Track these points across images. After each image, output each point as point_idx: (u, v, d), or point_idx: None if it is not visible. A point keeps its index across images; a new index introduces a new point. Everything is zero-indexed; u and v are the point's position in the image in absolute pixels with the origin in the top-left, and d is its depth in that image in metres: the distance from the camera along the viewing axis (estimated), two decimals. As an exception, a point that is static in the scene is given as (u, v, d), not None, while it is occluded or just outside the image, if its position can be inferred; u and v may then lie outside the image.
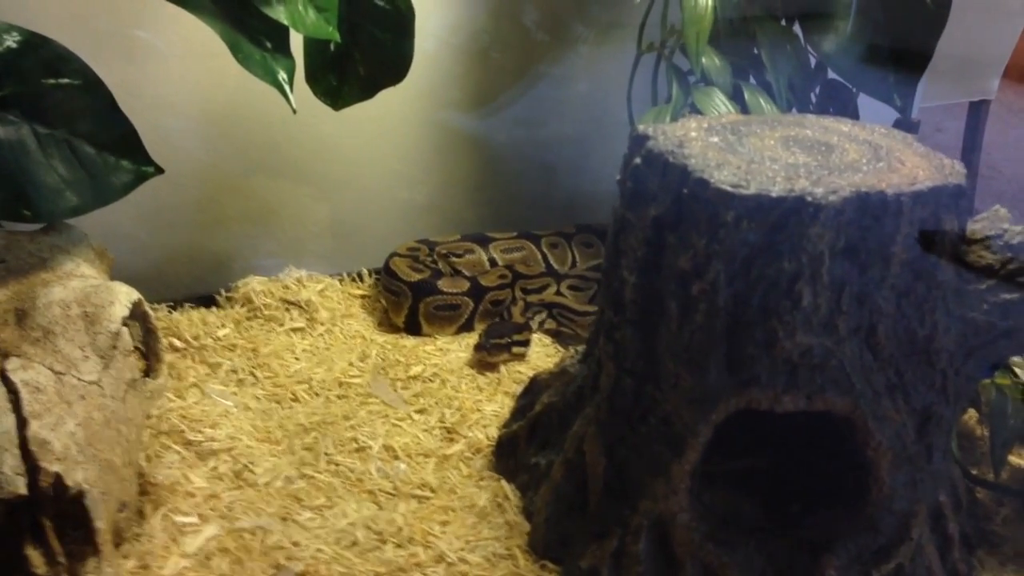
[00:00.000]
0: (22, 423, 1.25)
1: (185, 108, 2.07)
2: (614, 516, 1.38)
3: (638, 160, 1.37)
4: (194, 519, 1.45)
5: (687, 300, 1.29)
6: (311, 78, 1.77)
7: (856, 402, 1.30)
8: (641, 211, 1.35)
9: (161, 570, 1.34)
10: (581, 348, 1.64)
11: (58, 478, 1.21)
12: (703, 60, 1.91)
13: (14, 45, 1.47)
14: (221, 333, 1.97)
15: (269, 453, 1.62)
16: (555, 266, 2.24)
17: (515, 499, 1.54)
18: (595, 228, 2.34)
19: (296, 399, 1.80)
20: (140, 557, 1.36)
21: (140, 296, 1.54)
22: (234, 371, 1.85)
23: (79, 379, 1.38)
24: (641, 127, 1.41)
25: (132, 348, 1.51)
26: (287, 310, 2.04)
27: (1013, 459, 1.67)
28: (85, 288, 1.49)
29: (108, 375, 1.43)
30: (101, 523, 1.22)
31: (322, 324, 2.03)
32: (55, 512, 1.26)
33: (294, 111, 1.61)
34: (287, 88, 1.62)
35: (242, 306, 2.05)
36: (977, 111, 2.96)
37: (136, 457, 1.48)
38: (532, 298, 2.11)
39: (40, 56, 1.49)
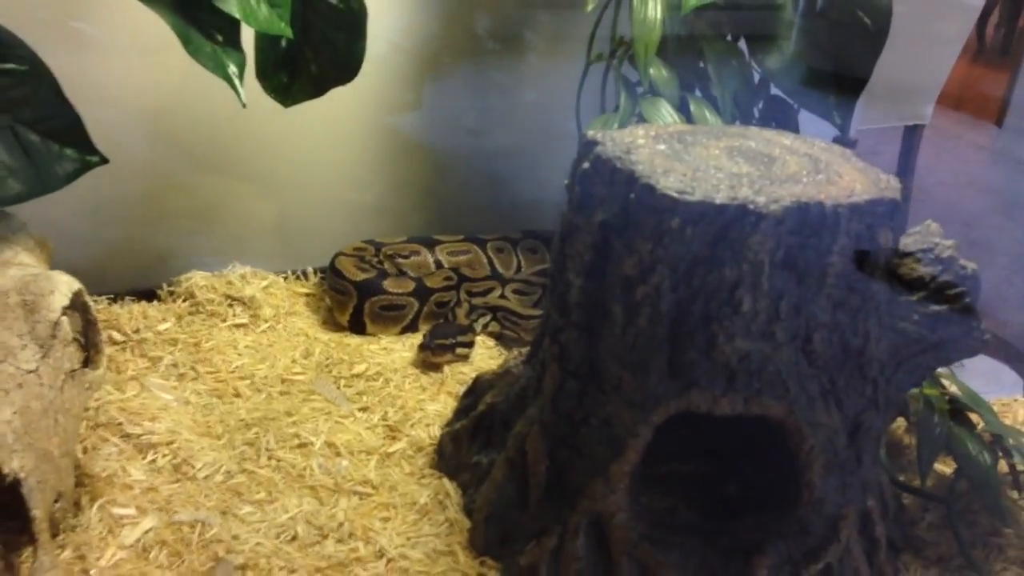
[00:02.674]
0: (-42, 410, 1.23)
1: (129, 101, 2.05)
2: (554, 515, 1.40)
3: (586, 165, 1.40)
4: (132, 511, 1.43)
5: (631, 304, 1.31)
6: (261, 74, 1.77)
7: (791, 407, 1.34)
8: (588, 215, 1.37)
9: (98, 561, 1.33)
10: (525, 350, 1.67)
11: (-5, 465, 1.19)
12: (651, 71, 1.95)
13: (-42, 28, 1.46)
14: (162, 327, 1.95)
15: (209, 448, 1.61)
16: (500, 270, 2.26)
17: (456, 497, 1.56)
18: (540, 234, 2.37)
19: (238, 395, 1.79)
20: (76, 547, 1.34)
21: (81, 286, 1.53)
22: (175, 365, 1.84)
23: (17, 367, 1.36)
24: (590, 133, 1.44)
25: (71, 338, 1.50)
26: (230, 306, 2.03)
27: (938, 467, 1.72)
28: (24, 276, 1.47)
29: (46, 364, 1.41)
30: (38, 511, 1.21)
31: (265, 321, 2.02)
32: (-9, 501, 1.25)
33: (244, 105, 1.61)
34: (237, 82, 1.62)
35: (184, 301, 2.04)
36: (911, 135, 3.06)
37: (73, 448, 1.46)
38: (477, 301, 2.13)
39: (-16, 41, 1.48)
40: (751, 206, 1.24)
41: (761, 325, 1.30)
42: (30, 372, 1.37)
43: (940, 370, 1.70)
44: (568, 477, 1.40)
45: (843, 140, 2.16)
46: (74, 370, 1.48)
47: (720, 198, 1.25)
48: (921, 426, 1.67)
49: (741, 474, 1.52)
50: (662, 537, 1.38)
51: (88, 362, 1.57)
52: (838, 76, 2.08)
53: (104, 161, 1.56)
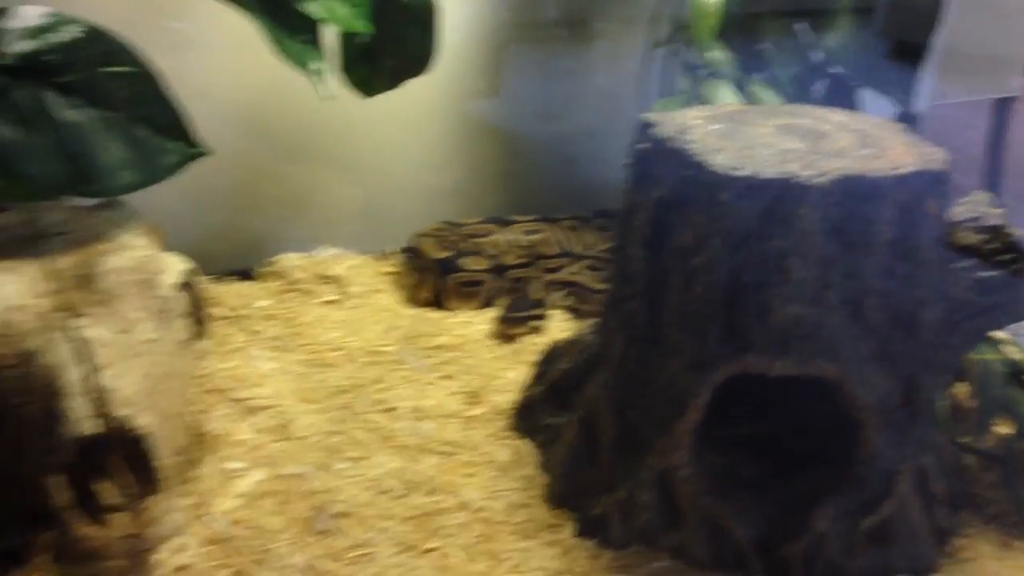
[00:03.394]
0: (93, 372, 1.40)
1: (223, 97, 2.22)
2: (623, 470, 1.51)
3: (644, 146, 1.51)
4: (242, 465, 1.60)
5: (688, 274, 1.42)
6: (344, 69, 1.92)
7: (843, 368, 1.43)
8: (646, 193, 1.48)
9: (216, 507, 1.50)
10: (589, 322, 1.78)
11: (125, 421, 1.36)
12: (711, 54, 2.03)
13: (78, 36, 1.62)
14: (260, 304, 2.12)
15: (307, 411, 1.77)
16: (572, 247, 2.37)
17: (533, 456, 1.68)
18: (610, 213, 2.47)
19: (330, 365, 1.94)
20: (198, 496, 1.51)
21: (190, 266, 1.69)
22: (273, 338, 2.00)
23: (137, 337, 1.53)
24: (647, 115, 1.55)
25: (182, 313, 1.66)
26: (321, 284, 2.19)
27: (999, 428, 1.79)
28: (139, 258, 1.64)
29: (162, 335, 1.58)
30: (160, 463, 1.37)
31: (353, 298, 2.18)
32: (120, 453, 1.41)
33: (323, 99, 1.75)
34: (320, 78, 1.77)
35: (279, 280, 2.20)
36: (1003, 108, 3.03)
37: (187, 409, 1.63)
38: (550, 277, 2.24)
39: (99, 46, 1.63)
40: (797, 180, 1.34)
41: (812, 291, 1.39)
42: (149, 342, 1.54)
43: (1003, 336, 1.77)
44: (635, 435, 1.51)
45: (906, 116, 2.22)
46: (185, 341, 1.64)
47: (768, 173, 1.35)
48: (980, 389, 1.74)
49: (798, 435, 1.61)
50: (725, 491, 1.49)
51: (196, 334, 1.73)
52: (898, 51, 2.14)
53: (204, 153, 1.72)
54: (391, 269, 2.34)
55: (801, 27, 2.15)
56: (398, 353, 1.99)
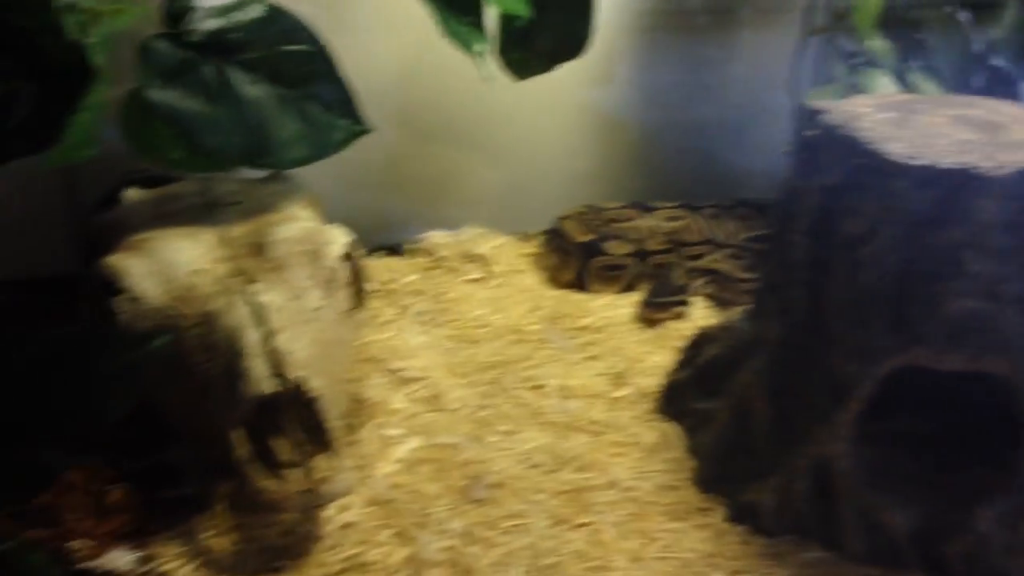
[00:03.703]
0: (268, 336, 1.47)
1: (376, 77, 2.27)
2: (777, 458, 1.51)
3: (811, 132, 1.50)
4: (400, 432, 1.66)
5: (854, 263, 1.40)
6: (501, 51, 1.95)
7: (1014, 364, 1.39)
8: (812, 179, 1.47)
9: (378, 470, 1.56)
10: (743, 308, 1.78)
11: (300, 383, 1.42)
12: (871, 43, 2.00)
13: (261, 15, 1.69)
14: (408, 279, 2.18)
15: (457, 385, 1.82)
16: (714, 235, 2.36)
17: (680, 439, 1.69)
18: (751, 202, 2.46)
19: (477, 341, 1.99)
20: (359, 459, 1.57)
21: (352, 239, 1.75)
22: (421, 313, 2.06)
23: (306, 305, 1.60)
24: (814, 102, 1.53)
25: (346, 283, 1.72)
26: (466, 262, 2.24)
27: None
28: (307, 229, 1.71)
29: (329, 304, 1.64)
30: (333, 423, 1.43)
31: (497, 277, 2.22)
32: (292, 414, 1.48)
33: (485, 80, 1.79)
34: (482, 59, 1.81)
35: (426, 256, 2.26)
36: None
37: (349, 376, 1.69)
38: (692, 264, 2.24)
39: (280, 25, 1.70)
40: (977, 171, 1.31)
41: (985, 285, 1.36)
42: (316, 309, 1.60)
43: None
44: (791, 424, 1.51)
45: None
46: (348, 310, 1.70)
47: (946, 163, 1.32)
48: None
49: (959, 432, 1.58)
50: (883, 485, 1.47)
51: (355, 305, 1.80)
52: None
53: (368, 131, 1.77)
54: (533, 250, 2.38)
55: (964, 16, 2.09)
56: (543, 332, 2.02)
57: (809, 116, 1.51)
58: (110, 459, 1.53)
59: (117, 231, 1.72)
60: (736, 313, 1.80)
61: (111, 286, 1.57)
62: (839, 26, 2.12)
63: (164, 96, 1.56)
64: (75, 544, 1.38)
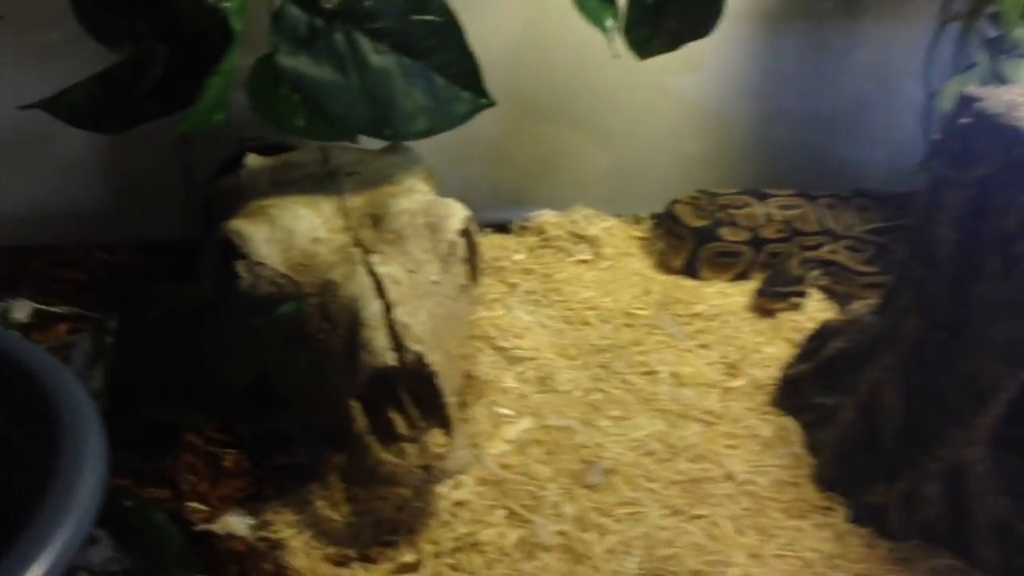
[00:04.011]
0: (388, 308, 1.46)
1: (494, 52, 2.24)
2: (906, 459, 1.45)
3: (965, 121, 1.42)
4: (510, 412, 1.63)
5: (1009, 260, 1.33)
6: (627, 29, 1.90)
7: None
8: (965, 170, 1.39)
9: (489, 449, 1.54)
10: (864, 303, 1.71)
11: (419, 356, 1.40)
12: (1019, 31, 1.89)
13: (392, -19, 1.68)
14: (517, 257, 2.15)
15: (567, 367, 1.79)
16: (831, 226, 2.28)
17: (799, 434, 1.64)
18: (870, 193, 2.37)
19: (586, 323, 1.95)
20: (471, 437, 1.55)
21: (470, 213, 1.73)
22: (530, 292, 2.03)
23: (425, 278, 1.58)
24: (969, 89, 1.45)
25: (463, 258, 1.70)
26: (575, 243, 2.20)
27: None
28: (426, 201, 1.69)
29: (446, 278, 1.63)
30: (449, 399, 1.41)
31: (606, 259, 2.18)
32: (408, 388, 1.47)
33: (615, 56, 1.75)
34: (612, 35, 1.76)
35: (535, 235, 2.23)
36: None
37: (464, 352, 1.68)
38: (808, 254, 2.17)
39: (411, -7, 1.69)
40: None
41: None
42: (434, 283, 1.59)
43: None
44: (924, 424, 1.44)
45: None
46: (464, 285, 1.68)
47: (1120, 157, 1.24)
48: None
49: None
50: (1020, 493, 1.40)
51: (470, 280, 1.78)
52: None
53: (492, 104, 1.75)
54: (640, 234, 2.33)
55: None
56: (654, 318, 1.97)
57: (965, 103, 1.43)
58: (225, 424, 1.54)
59: (238, 196, 1.73)
60: (861, 307, 1.73)
61: (232, 250, 1.57)
62: (979, 13, 2.02)
63: (293, 62, 1.55)
64: (192, 505, 1.39)
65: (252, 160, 1.78)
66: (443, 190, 1.90)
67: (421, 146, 1.87)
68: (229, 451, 1.49)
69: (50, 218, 2.02)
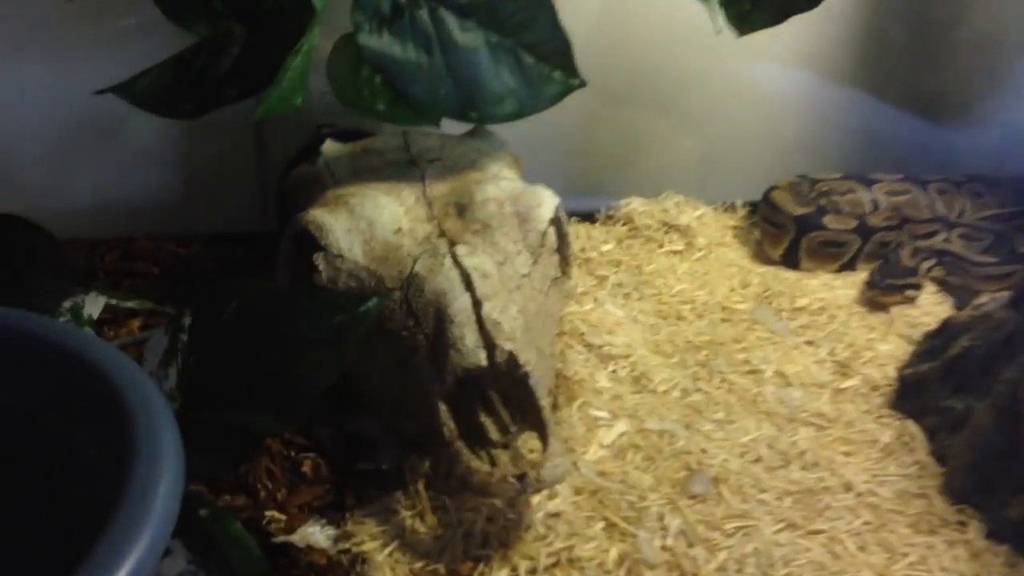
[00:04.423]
0: (476, 303, 1.35)
1: (580, 33, 2.13)
2: (1051, 470, 1.30)
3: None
4: (605, 414, 1.52)
5: None
6: (725, 2, 1.77)
7: None
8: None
9: (584, 455, 1.43)
10: (991, 296, 1.56)
11: (511, 356, 1.30)
12: None
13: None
14: (605, 248, 2.04)
15: (663, 365, 1.67)
16: (943, 213, 2.13)
17: (922, 440, 1.50)
18: (985, 179, 2.20)
19: (681, 318, 1.83)
20: (563, 441, 1.44)
21: (560, 201, 1.62)
22: (620, 285, 1.91)
23: (514, 271, 1.48)
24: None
25: (555, 248, 1.59)
26: (666, 232, 2.08)
27: None
28: (514, 189, 1.58)
29: (536, 270, 1.52)
30: (544, 401, 1.30)
31: (699, 249, 2.05)
32: (498, 389, 1.36)
33: (716, 32, 1.63)
34: (713, 6, 1.64)
35: (623, 224, 2.11)
36: None
37: (555, 349, 1.57)
38: (920, 243, 2.02)
39: (501, -33, 1.58)
40: None
41: None
42: (524, 276, 1.48)
43: None
44: (1072, 431, 1.30)
45: None
46: (556, 278, 1.58)
47: None
48: None
49: None
50: None
51: (563, 273, 1.67)
52: None
53: (583, 84, 1.63)
54: (735, 223, 2.20)
55: None
56: (754, 312, 1.84)
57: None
58: (303, 427, 1.46)
59: (315, 185, 1.65)
60: (989, 300, 1.58)
61: (310, 242, 1.49)
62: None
63: (376, 42, 1.46)
64: (270, 514, 1.30)
65: (329, 147, 1.69)
66: (525, 178, 1.79)
67: (501, 132, 1.77)
68: (308, 456, 1.40)
69: (123, 210, 1.97)
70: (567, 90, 1.61)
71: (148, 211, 2.01)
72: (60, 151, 1.92)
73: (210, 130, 1.99)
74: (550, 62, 1.59)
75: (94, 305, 1.45)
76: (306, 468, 1.38)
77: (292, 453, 1.40)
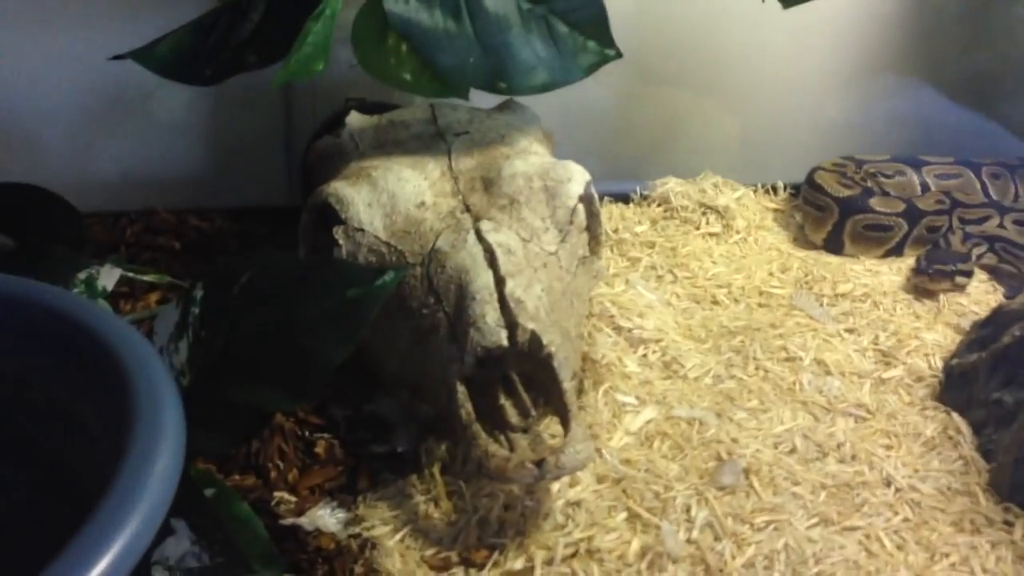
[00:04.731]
0: (499, 281, 1.30)
1: (613, 3, 2.06)
2: (1106, 469, 1.22)
3: None
4: (632, 400, 1.46)
5: None
6: (767, -27, 1.69)
7: None
8: None
9: (609, 442, 1.37)
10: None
11: (534, 335, 1.24)
12: None
13: (504, -81, 1.50)
14: (639, 229, 1.97)
15: (695, 350, 1.60)
16: (996, 197, 2.03)
17: (969, 434, 1.41)
18: (1041, 162, 2.10)
19: (716, 302, 1.76)
20: (588, 427, 1.38)
21: (591, 178, 1.55)
22: (653, 267, 1.85)
23: (541, 248, 1.42)
24: None
25: (584, 226, 1.53)
26: (703, 214, 2.00)
27: None
28: (543, 164, 1.52)
29: (564, 248, 1.46)
30: (567, 384, 1.24)
31: (737, 232, 1.97)
32: (520, 371, 1.31)
33: (763, 0, 1.55)
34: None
35: (659, 205, 2.04)
36: None
37: (582, 331, 1.51)
38: (971, 229, 1.92)
39: (530, -69, 1.52)
40: None
41: None
42: (551, 254, 1.42)
43: None
44: None
45: None
46: (585, 257, 1.52)
47: None
48: None
49: None
50: None
51: (590, 252, 1.61)
52: None
53: (619, 55, 1.56)
54: (775, 205, 2.12)
55: None
56: (793, 297, 1.77)
57: None
58: (318, 406, 1.41)
59: (340, 158, 1.60)
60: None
61: (331, 215, 1.44)
62: None
63: (402, 8, 1.41)
64: (280, 495, 1.26)
65: (354, 119, 1.64)
66: (559, 156, 1.73)
67: (534, 109, 1.71)
68: (322, 436, 1.36)
69: (148, 182, 1.93)
70: (602, 61, 1.54)
71: (174, 184, 1.97)
72: (86, 123, 1.89)
73: (237, 102, 1.95)
74: (584, 31, 1.52)
75: (109, 277, 1.41)
76: (319, 449, 1.33)
77: (306, 433, 1.35)
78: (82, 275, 1.41)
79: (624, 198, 2.10)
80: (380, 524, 1.22)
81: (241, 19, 1.45)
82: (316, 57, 1.35)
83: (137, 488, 0.84)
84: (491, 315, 1.25)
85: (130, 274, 1.51)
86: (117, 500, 0.82)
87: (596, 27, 1.52)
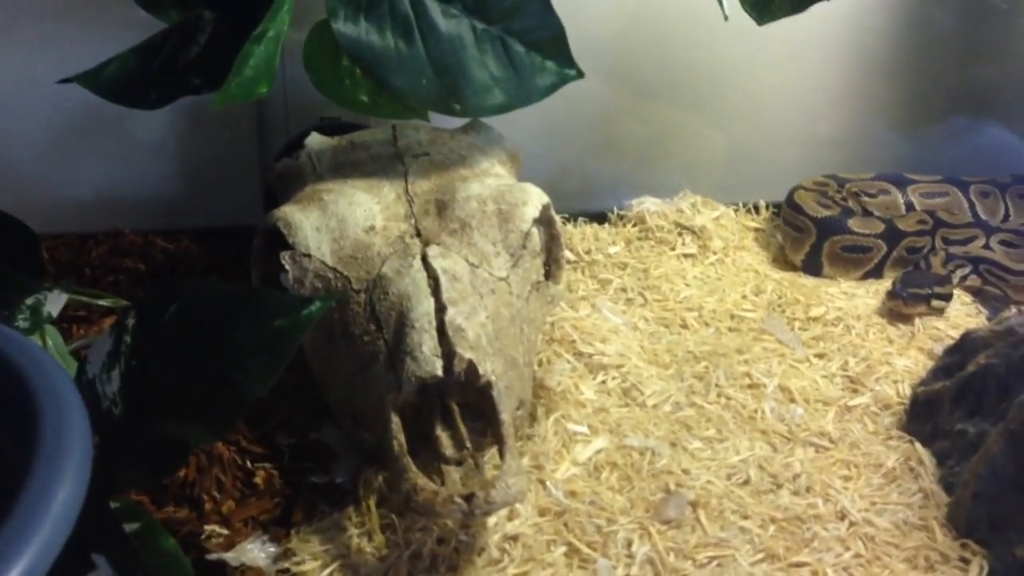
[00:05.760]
0: (440, 308, 1.27)
1: (589, 22, 2.02)
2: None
3: None
4: (584, 429, 1.42)
5: None
6: (740, -10, 1.65)
7: None
8: None
9: (554, 473, 1.33)
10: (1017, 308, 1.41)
11: (471, 365, 1.21)
12: None
13: (461, -60, 1.48)
14: (612, 250, 1.94)
15: (657, 376, 1.57)
16: (984, 217, 1.97)
17: (931, 466, 1.37)
18: (1031, 180, 2.04)
19: (685, 325, 1.72)
20: (534, 457, 1.36)
21: (549, 200, 1.52)
22: (623, 290, 1.82)
23: (490, 273, 1.39)
24: None
25: (539, 250, 1.50)
26: (679, 234, 1.97)
27: None
28: (499, 187, 1.50)
29: (516, 273, 1.43)
30: (506, 415, 1.20)
31: (714, 253, 1.94)
32: (460, 400, 1.28)
33: (726, 18, 1.52)
34: (724, -1, 1.53)
35: (634, 226, 2.01)
36: None
37: (534, 359, 1.48)
38: (955, 249, 1.87)
39: (483, -51, 1.49)
40: None
41: None
42: (501, 279, 1.40)
43: None
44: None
45: None
46: (539, 282, 1.49)
47: None
48: None
49: None
50: None
51: (548, 276, 1.57)
52: None
53: (580, 75, 1.53)
54: (757, 225, 2.08)
55: None
56: (764, 321, 1.72)
57: None
58: (262, 433, 1.39)
59: (297, 180, 1.58)
60: (1014, 314, 1.44)
61: (280, 240, 1.42)
62: None
63: (352, 29, 1.38)
64: (211, 528, 1.23)
65: (313, 140, 1.63)
66: (535, 176, 1.70)
67: (510, 128, 1.68)
68: (263, 465, 1.33)
69: (117, 203, 1.93)
70: (562, 81, 1.51)
71: (148, 205, 1.97)
72: (55, 144, 1.90)
73: (210, 121, 1.95)
74: (542, 51, 1.49)
75: (55, 303, 1.40)
76: (259, 479, 1.31)
77: (247, 463, 1.33)
78: (29, 300, 1.40)
79: (601, 218, 2.07)
80: (310, 559, 1.19)
81: (188, 41, 1.44)
82: (258, 80, 1.33)
83: (34, 519, 0.82)
84: (428, 344, 1.23)
85: (83, 299, 1.50)
86: (12, 532, 0.81)
87: (554, 47, 1.49)
